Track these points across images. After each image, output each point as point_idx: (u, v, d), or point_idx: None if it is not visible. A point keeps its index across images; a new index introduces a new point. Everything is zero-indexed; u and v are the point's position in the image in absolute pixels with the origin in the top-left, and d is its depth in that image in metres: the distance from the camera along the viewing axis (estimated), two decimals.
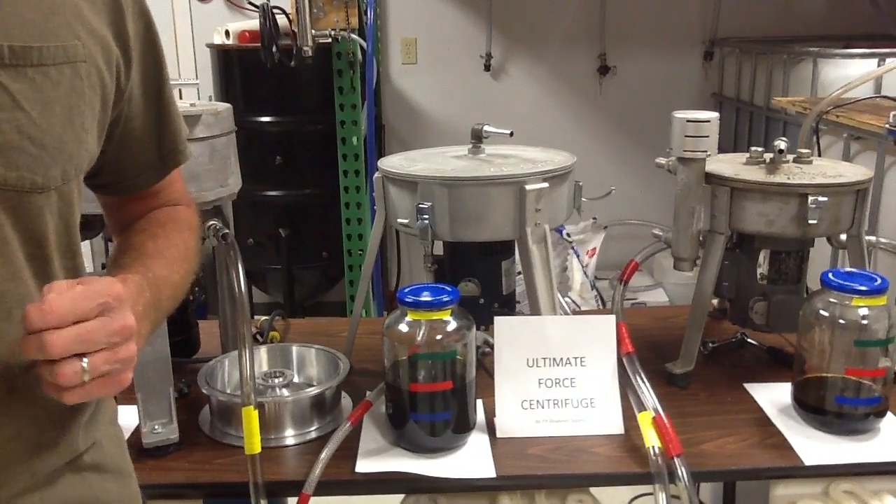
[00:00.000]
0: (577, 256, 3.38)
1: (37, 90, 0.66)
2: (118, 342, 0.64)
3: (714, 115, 1.24)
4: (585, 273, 3.40)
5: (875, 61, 2.64)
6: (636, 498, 2.19)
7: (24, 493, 0.73)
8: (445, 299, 1.09)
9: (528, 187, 1.21)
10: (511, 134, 1.31)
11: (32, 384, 0.67)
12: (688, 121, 1.24)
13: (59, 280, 0.69)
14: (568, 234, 3.33)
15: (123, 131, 0.82)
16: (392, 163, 1.32)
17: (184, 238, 0.89)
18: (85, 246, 1.07)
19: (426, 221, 1.22)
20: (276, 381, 1.27)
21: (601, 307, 3.32)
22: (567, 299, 2.99)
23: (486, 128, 1.34)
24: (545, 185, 1.22)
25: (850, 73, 2.53)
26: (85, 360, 0.62)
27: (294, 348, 1.35)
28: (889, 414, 1.16)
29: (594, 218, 3.44)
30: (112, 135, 0.80)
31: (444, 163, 1.31)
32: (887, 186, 2.00)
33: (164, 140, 0.88)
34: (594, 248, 3.48)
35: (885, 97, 2.17)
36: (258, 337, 1.51)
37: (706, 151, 1.25)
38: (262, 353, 1.34)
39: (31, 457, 0.73)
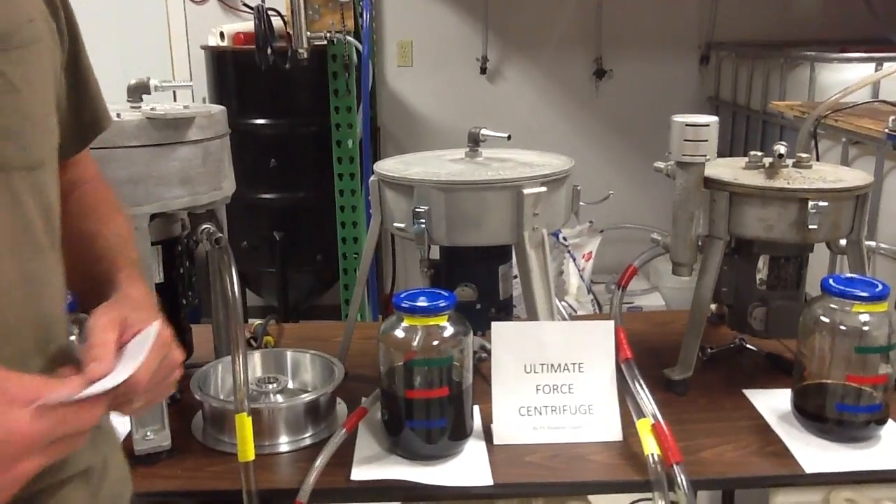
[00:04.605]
0: (574, 260, 3.37)
1: (23, 71, 0.69)
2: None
3: (713, 119, 1.23)
4: (582, 277, 3.39)
5: (872, 65, 2.64)
6: None
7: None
8: (442, 304, 1.08)
9: (525, 191, 1.19)
10: (509, 137, 1.29)
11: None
12: (687, 125, 1.22)
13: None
14: (564, 238, 3.32)
15: None
16: (388, 166, 1.30)
17: (122, 220, 0.93)
18: None
19: (422, 226, 1.20)
20: (270, 386, 1.25)
21: (597, 311, 3.31)
22: (563, 304, 2.97)
23: (483, 131, 1.33)
24: (543, 189, 1.21)
25: (847, 78, 2.53)
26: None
27: (288, 353, 1.34)
28: (890, 421, 1.15)
29: (590, 222, 3.44)
30: None
31: (441, 166, 1.30)
32: (886, 191, 1.99)
33: (84, 109, 0.86)
34: (590, 252, 3.47)
35: (883, 101, 2.16)
36: (252, 342, 1.50)
37: (705, 156, 1.23)
38: (256, 358, 1.33)
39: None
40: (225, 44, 3.32)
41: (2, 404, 0.59)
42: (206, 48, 3.38)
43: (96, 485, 0.79)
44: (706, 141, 1.22)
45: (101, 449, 0.81)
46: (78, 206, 0.87)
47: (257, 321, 1.56)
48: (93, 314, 0.73)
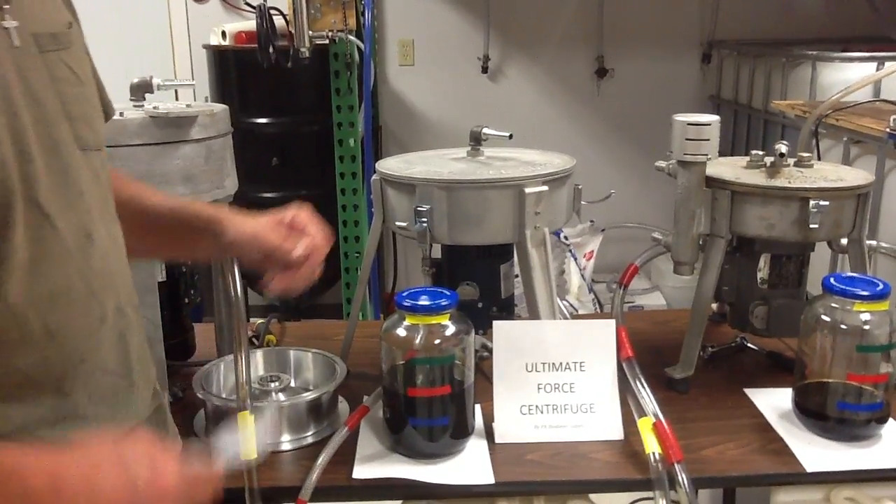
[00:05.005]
0: (575, 259, 3.37)
1: (79, 66, 0.79)
2: None
3: (715, 118, 1.23)
4: (583, 276, 3.39)
5: (874, 65, 2.64)
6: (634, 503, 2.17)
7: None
8: (444, 303, 1.08)
9: (527, 190, 1.19)
10: (510, 136, 1.29)
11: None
12: (688, 124, 1.23)
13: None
14: (565, 237, 3.32)
15: None
16: (390, 165, 1.31)
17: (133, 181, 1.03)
18: None
19: (424, 224, 1.21)
20: (273, 385, 1.26)
21: (599, 310, 3.31)
22: (564, 303, 2.97)
23: (485, 130, 1.33)
24: (545, 188, 1.21)
25: (848, 77, 2.53)
26: None
27: (291, 352, 1.34)
28: (891, 420, 1.16)
29: (591, 221, 3.43)
30: None
31: (443, 165, 1.30)
32: (888, 190, 1.99)
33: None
34: (591, 252, 3.47)
35: (884, 101, 2.16)
36: (254, 340, 1.50)
37: (707, 155, 1.24)
38: (258, 356, 1.33)
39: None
40: (227, 43, 3.32)
41: (159, 461, 0.72)
42: (207, 47, 3.38)
43: (165, 419, 0.93)
44: (708, 140, 1.23)
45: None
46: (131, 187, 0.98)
47: (259, 320, 1.57)
48: (250, 233, 0.98)
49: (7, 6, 0.71)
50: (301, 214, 1.02)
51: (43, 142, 0.71)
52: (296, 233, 1.01)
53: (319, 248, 1.01)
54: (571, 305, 3.22)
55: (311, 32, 2.57)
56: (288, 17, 2.71)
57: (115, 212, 0.84)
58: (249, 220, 1.01)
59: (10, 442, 0.70)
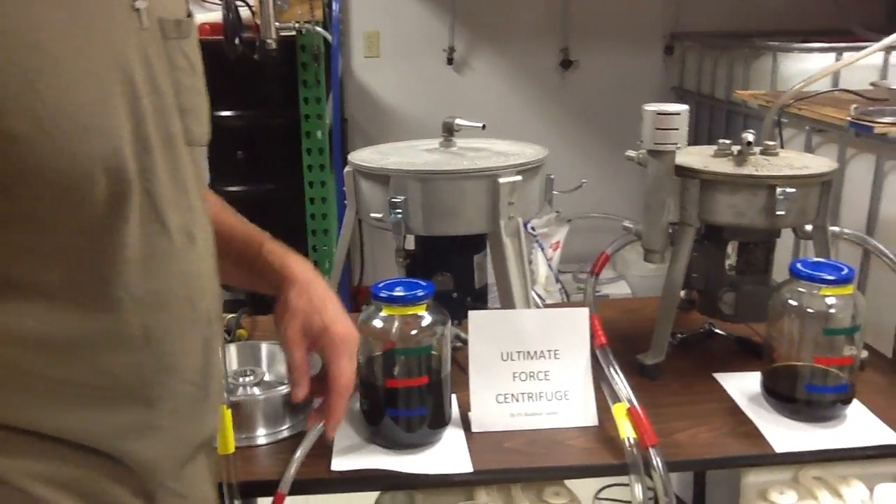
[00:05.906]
0: (542, 250, 3.39)
1: (195, 56, 0.77)
2: None
3: (684, 107, 1.25)
4: (550, 266, 3.41)
5: (833, 55, 2.69)
6: (603, 489, 2.21)
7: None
8: (420, 294, 1.08)
9: (501, 180, 1.20)
10: (483, 127, 1.30)
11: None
12: (658, 113, 1.24)
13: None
14: (532, 228, 3.34)
15: None
16: (363, 157, 1.30)
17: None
18: None
19: (399, 216, 1.21)
20: (247, 379, 1.25)
21: (566, 300, 3.34)
22: (532, 293, 2.99)
23: (457, 121, 1.34)
24: (518, 178, 1.22)
25: (808, 67, 2.57)
26: None
27: (263, 346, 1.33)
28: (855, 401, 1.19)
29: (558, 211, 3.46)
30: None
31: (416, 156, 1.30)
32: (848, 178, 2.03)
33: None
34: (558, 242, 3.49)
35: (843, 90, 2.21)
36: (225, 335, 1.49)
37: (676, 144, 1.25)
38: (231, 351, 1.32)
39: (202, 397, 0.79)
40: None
41: None
42: None
43: (212, 450, 0.90)
44: (677, 129, 1.24)
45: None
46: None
47: (229, 314, 1.56)
48: (282, 326, 0.94)
49: None
50: (338, 343, 0.94)
51: (160, 132, 0.68)
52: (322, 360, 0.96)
53: (334, 397, 0.94)
54: (539, 295, 3.23)
55: (277, 24, 2.55)
56: (254, 9, 2.68)
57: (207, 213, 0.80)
58: (303, 299, 0.95)
59: (86, 455, 0.65)
